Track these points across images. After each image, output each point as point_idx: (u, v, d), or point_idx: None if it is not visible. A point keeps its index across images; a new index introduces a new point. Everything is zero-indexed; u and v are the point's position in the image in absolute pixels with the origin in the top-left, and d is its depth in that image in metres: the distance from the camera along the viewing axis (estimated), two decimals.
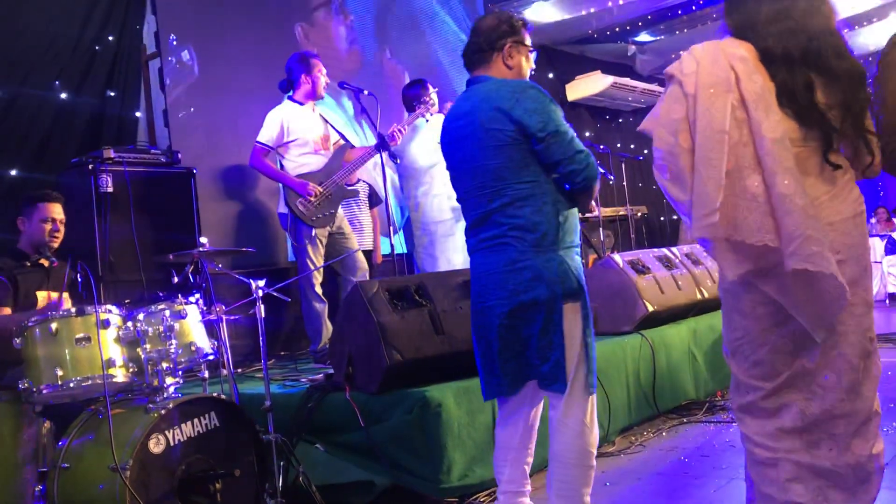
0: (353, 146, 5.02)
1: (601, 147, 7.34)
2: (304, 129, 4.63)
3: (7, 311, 3.33)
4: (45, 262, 3.50)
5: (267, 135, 4.59)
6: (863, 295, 1.90)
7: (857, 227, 1.91)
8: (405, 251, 5.70)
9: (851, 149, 1.93)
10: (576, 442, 2.44)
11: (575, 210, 2.52)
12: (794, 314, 1.86)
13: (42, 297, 3.43)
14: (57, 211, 3.56)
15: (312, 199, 4.49)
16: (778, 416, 1.91)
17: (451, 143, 2.60)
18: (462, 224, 4.99)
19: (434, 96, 5.12)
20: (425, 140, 5.02)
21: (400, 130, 4.80)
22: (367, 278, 4.68)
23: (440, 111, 5.12)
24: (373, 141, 4.89)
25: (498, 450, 2.62)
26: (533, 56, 2.65)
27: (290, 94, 4.73)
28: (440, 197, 4.98)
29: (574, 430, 2.44)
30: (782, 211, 1.78)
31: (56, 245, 3.56)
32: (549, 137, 2.40)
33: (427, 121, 4.97)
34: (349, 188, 4.73)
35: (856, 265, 1.89)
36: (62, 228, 3.58)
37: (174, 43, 5.23)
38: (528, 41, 2.64)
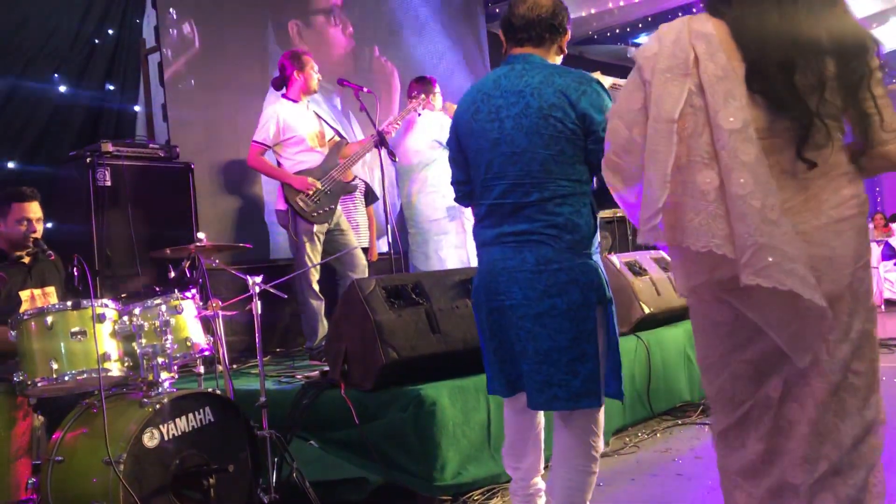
0: (348, 142, 5.03)
1: None
2: (299, 127, 4.63)
3: None
4: (27, 260, 3.41)
5: (263, 133, 4.59)
6: (842, 318, 1.58)
7: (841, 235, 1.59)
8: (401, 249, 5.70)
9: (857, 127, 1.61)
10: (584, 447, 2.33)
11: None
12: (771, 334, 1.59)
13: (25, 296, 3.35)
14: (33, 210, 3.39)
15: (311, 192, 4.48)
16: (747, 451, 1.67)
17: (483, 120, 2.31)
18: (456, 223, 5.04)
19: (438, 97, 5.16)
20: (419, 138, 5.03)
21: (394, 124, 4.82)
22: (367, 275, 4.68)
23: (443, 110, 5.14)
24: (362, 137, 4.90)
25: (516, 439, 2.51)
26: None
27: (284, 91, 4.74)
28: (434, 195, 4.98)
29: (583, 437, 2.32)
30: (735, 214, 1.52)
31: (34, 239, 3.39)
32: None
33: (419, 115, 4.96)
34: (348, 184, 4.73)
35: (833, 283, 1.57)
36: (39, 227, 3.43)
37: (174, 37, 5.22)
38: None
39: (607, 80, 10.77)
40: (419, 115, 4.96)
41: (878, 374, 1.63)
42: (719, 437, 1.76)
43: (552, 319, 2.21)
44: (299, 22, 6.11)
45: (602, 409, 2.34)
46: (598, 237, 2.34)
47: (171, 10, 5.21)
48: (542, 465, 2.56)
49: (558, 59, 2.42)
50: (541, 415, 2.54)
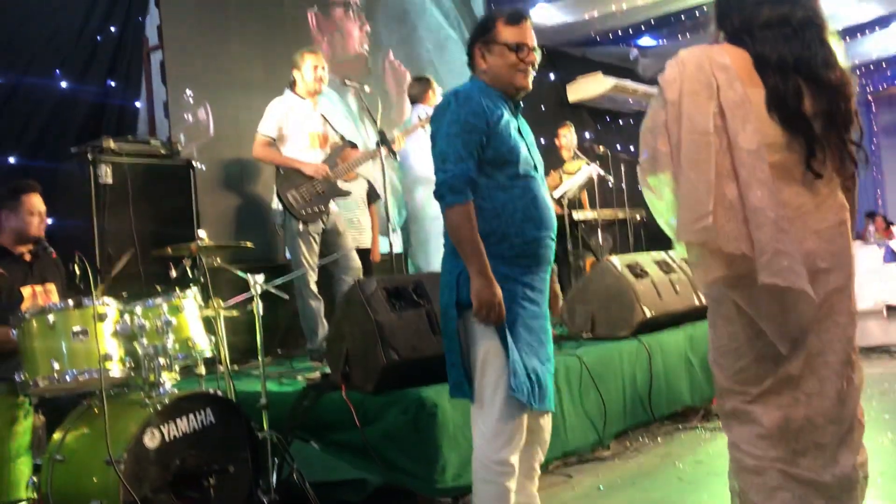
0: (353, 146, 5.01)
1: (601, 149, 7.33)
2: (301, 124, 4.62)
3: None
4: (28, 257, 3.41)
5: (267, 125, 4.58)
6: (847, 304, 1.90)
7: (842, 236, 1.90)
8: (403, 249, 5.70)
9: (836, 158, 1.92)
10: (477, 451, 2.43)
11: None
12: (762, 325, 1.86)
13: (27, 292, 3.35)
14: (40, 201, 3.42)
15: (320, 179, 4.47)
16: (762, 422, 1.90)
17: None
18: None
19: (438, 96, 5.15)
20: (427, 146, 5.04)
21: (401, 140, 4.84)
22: (360, 277, 4.67)
23: None
24: (374, 139, 4.89)
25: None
26: (515, 49, 2.40)
27: (292, 87, 4.73)
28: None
29: (477, 438, 2.43)
30: (754, 224, 1.79)
31: (41, 234, 3.40)
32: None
33: (424, 128, 4.99)
34: (341, 188, 4.70)
35: (840, 274, 1.88)
36: (45, 219, 3.46)
37: (176, 35, 5.20)
38: (508, 35, 2.40)
39: (609, 82, 10.75)
40: (423, 128, 4.99)
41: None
42: (731, 414, 1.96)
43: (442, 316, 2.44)
44: (319, 13, 6.14)
45: (500, 415, 2.35)
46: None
47: (174, 7, 5.20)
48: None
49: (486, 71, 2.46)
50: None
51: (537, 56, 2.45)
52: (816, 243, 1.85)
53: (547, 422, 2.57)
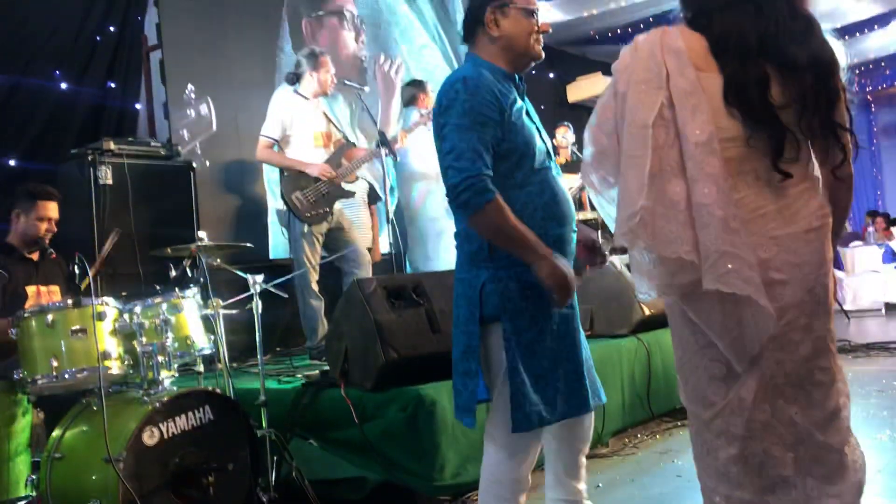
0: (354, 146, 5.03)
1: None
2: (306, 124, 4.63)
3: None
4: (35, 256, 3.45)
5: (270, 127, 4.59)
6: (804, 321, 1.65)
7: (810, 244, 1.66)
8: (402, 249, 5.71)
9: (821, 148, 1.71)
10: (484, 474, 2.24)
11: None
12: (715, 340, 1.67)
13: (31, 291, 3.38)
14: (54, 210, 3.47)
15: (324, 180, 4.48)
16: (719, 454, 1.71)
17: None
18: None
19: (432, 97, 5.16)
20: (424, 143, 5.05)
21: (402, 139, 4.88)
22: (371, 272, 4.67)
23: None
24: (372, 141, 4.92)
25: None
26: (534, 15, 2.21)
27: (296, 87, 4.73)
28: (435, 195, 5.00)
29: (486, 464, 2.23)
30: (699, 224, 1.60)
31: (47, 240, 3.46)
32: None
33: (426, 125, 5.00)
34: (346, 188, 4.72)
35: (799, 288, 1.64)
36: (55, 227, 3.50)
37: (175, 34, 5.21)
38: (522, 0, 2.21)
39: (608, 81, 10.74)
40: (425, 125, 5.00)
41: (839, 366, 1.73)
42: (694, 439, 1.80)
43: (455, 329, 2.20)
44: (314, 22, 6.14)
45: (520, 435, 2.13)
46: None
47: (173, 7, 5.21)
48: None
49: (498, 38, 2.21)
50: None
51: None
52: (773, 251, 1.64)
53: (587, 418, 2.36)
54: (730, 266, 1.58)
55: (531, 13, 2.22)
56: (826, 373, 1.68)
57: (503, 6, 2.20)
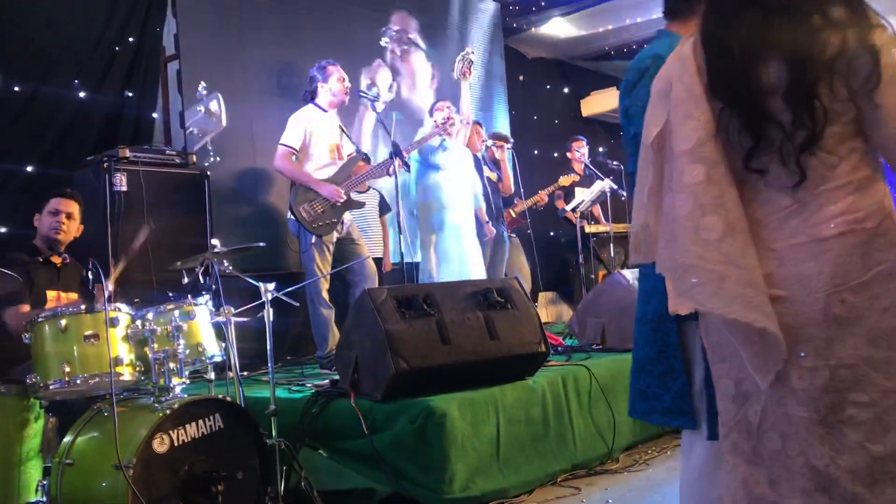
0: (365, 157, 5.07)
1: (614, 163, 7.36)
2: (323, 136, 4.68)
3: (26, 308, 3.32)
4: (57, 261, 3.51)
5: (290, 137, 4.63)
6: (816, 345, 1.41)
7: (816, 257, 1.41)
8: (414, 259, 5.73)
9: (841, 138, 1.42)
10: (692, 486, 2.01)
11: None
12: (739, 349, 1.48)
13: (52, 295, 3.43)
14: (66, 205, 3.57)
15: (340, 203, 4.53)
16: (719, 488, 1.58)
17: None
18: (469, 221, 5.20)
19: (445, 111, 5.25)
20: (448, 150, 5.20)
21: (415, 147, 4.95)
22: (377, 284, 4.69)
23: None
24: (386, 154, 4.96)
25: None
26: None
27: (314, 100, 4.78)
28: (444, 192, 5.11)
29: (696, 474, 2.00)
30: (671, 238, 1.48)
31: (60, 238, 3.55)
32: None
33: (443, 139, 5.10)
34: (355, 199, 4.74)
35: (805, 306, 1.42)
36: (70, 226, 3.58)
37: (193, 45, 5.26)
38: None
39: None
40: (443, 139, 5.10)
41: None
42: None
43: (641, 326, 2.07)
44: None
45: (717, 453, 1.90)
46: None
47: (191, 18, 5.26)
48: None
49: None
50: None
51: None
52: (773, 265, 1.45)
53: None
54: (693, 280, 1.43)
55: None
56: (866, 409, 1.39)
57: None
